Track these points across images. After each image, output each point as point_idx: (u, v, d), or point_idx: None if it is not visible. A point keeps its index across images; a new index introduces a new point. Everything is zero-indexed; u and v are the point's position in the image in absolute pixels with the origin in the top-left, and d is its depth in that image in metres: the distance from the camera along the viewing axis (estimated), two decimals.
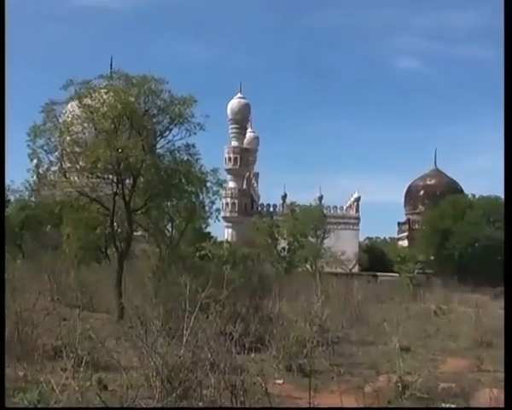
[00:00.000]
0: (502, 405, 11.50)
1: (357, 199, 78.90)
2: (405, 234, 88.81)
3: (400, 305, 33.05)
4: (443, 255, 63.41)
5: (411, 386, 12.59)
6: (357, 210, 78.87)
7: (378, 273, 61.85)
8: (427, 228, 69.47)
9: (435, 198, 79.61)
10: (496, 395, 11.62)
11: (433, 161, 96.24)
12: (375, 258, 74.95)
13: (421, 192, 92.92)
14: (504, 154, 7.88)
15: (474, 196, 72.60)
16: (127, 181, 25.99)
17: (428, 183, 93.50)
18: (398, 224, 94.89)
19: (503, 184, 7.73)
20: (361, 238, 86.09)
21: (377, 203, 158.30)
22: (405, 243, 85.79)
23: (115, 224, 27.83)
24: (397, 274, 58.31)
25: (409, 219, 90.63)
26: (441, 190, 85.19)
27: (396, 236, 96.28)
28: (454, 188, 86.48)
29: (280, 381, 14.30)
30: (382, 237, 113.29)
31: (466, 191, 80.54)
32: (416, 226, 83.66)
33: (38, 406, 8.37)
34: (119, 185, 25.57)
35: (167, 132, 26.42)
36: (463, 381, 14.18)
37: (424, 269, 62.49)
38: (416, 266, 60.29)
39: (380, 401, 11.73)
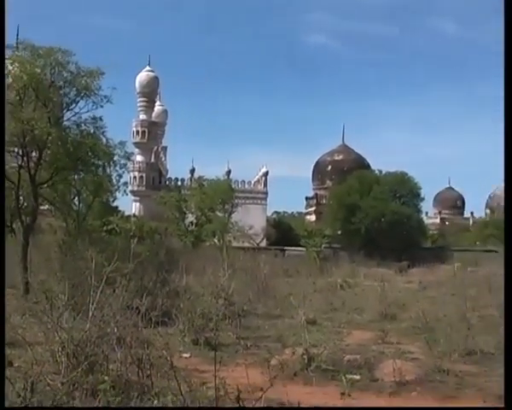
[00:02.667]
0: (405, 377, 11.80)
1: (266, 174, 79.00)
2: (313, 209, 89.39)
3: (307, 279, 33.42)
4: (350, 230, 64.14)
5: (317, 358, 12.74)
6: (265, 185, 78.97)
7: (285, 248, 62.23)
8: (334, 203, 70.07)
9: (343, 173, 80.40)
10: (399, 366, 11.88)
11: (340, 137, 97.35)
12: (282, 232, 75.38)
13: (329, 167, 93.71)
14: (504, 153, 8.02)
15: (380, 171, 73.50)
16: (33, 154, 25.49)
17: (336, 158, 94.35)
18: (306, 199, 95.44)
19: (504, 182, 7.86)
20: (269, 213, 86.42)
21: (286, 178, 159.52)
22: (313, 217, 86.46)
23: (20, 198, 27.30)
24: (304, 249, 58.83)
25: (316, 194, 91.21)
26: (348, 166, 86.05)
27: (304, 210, 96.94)
28: (361, 163, 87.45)
29: (187, 354, 14.30)
30: (290, 212, 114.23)
31: (373, 167, 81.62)
32: (324, 201, 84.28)
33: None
34: (24, 158, 25.05)
35: (74, 105, 25.98)
36: (368, 353, 14.41)
37: (331, 243, 63.20)
38: (323, 241, 60.96)
39: (286, 374, 11.86)
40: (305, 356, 12.82)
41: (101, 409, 7.47)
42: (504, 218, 7.50)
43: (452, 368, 12.58)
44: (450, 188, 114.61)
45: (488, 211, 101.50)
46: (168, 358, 9.31)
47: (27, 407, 7.32)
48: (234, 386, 8.22)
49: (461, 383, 11.81)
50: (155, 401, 8.65)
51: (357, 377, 12.16)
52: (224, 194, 60.12)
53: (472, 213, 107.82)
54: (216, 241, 53.98)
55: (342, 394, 10.80)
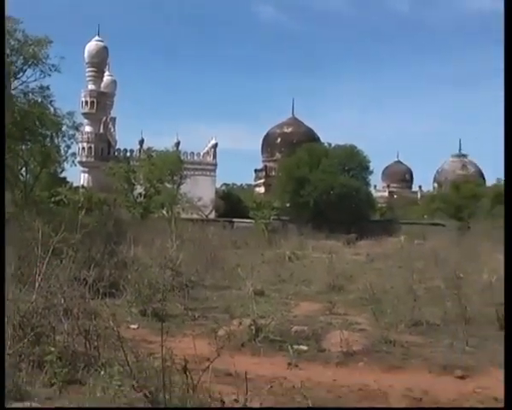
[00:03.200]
0: (352, 347, 11.91)
1: (215, 146, 78.74)
2: (262, 181, 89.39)
3: (255, 251, 33.47)
4: (299, 202, 64.29)
5: (264, 329, 12.78)
6: (215, 156, 78.72)
7: (234, 219, 62.25)
8: (283, 175, 70.10)
9: (292, 146, 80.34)
10: (346, 337, 11.98)
11: (290, 110, 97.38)
12: (231, 204, 75.40)
13: (279, 140, 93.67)
14: (504, 152, 8.05)
15: (330, 144, 73.74)
16: None
17: (286, 131, 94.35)
18: (255, 171, 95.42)
19: (504, 181, 7.90)
20: (218, 185, 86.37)
21: (235, 150, 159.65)
22: (262, 189, 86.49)
23: None
24: (253, 221, 58.89)
25: (266, 167, 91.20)
26: (298, 139, 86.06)
27: (253, 183, 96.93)
28: (311, 136, 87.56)
29: (134, 326, 14.24)
30: (239, 184, 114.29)
31: (322, 140, 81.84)
32: (273, 174, 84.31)
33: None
34: None
35: (21, 74, 25.62)
36: (315, 324, 14.50)
37: (280, 216, 63.34)
38: (272, 213, 61.05)
39: (233, 344, 11.89)
40: (252, 327, 12.85)
41: (101, 409, 7.44)
42: (504, 217, 7.55)
43: (398, 339, 12.73)
44: (399, 162, 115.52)
45: (436, 185, 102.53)
46: (115, 329, 9.26)
47: (27, 407, 7.28)
48: (181, 356, 8.21)
49: (407, 353, 11.96)
50: (102, 372, 8.61)
51: (305, 347, 12.24)
52: (173, 165, 59.80)
53: (420, 187, 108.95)
54: (164, 212, 53.70)
55: (289, 364, 10.86)
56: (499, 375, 10.45)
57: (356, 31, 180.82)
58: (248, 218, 61.09)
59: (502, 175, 72.67)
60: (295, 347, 12.07)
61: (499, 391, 9.37)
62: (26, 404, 7.58)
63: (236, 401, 7.37)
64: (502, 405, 8.96)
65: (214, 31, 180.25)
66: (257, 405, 7.58)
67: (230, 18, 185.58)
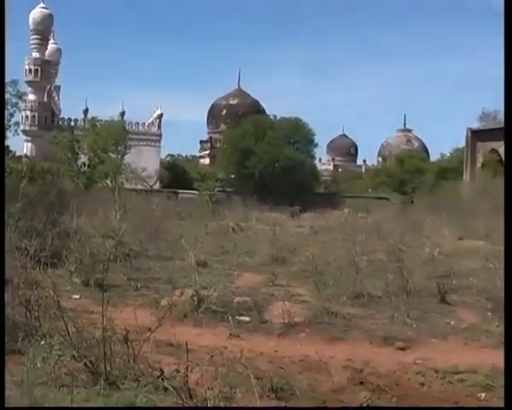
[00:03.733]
0: (294, 318, 11.97)
1: (160, 116, 78.15)
2: (207, 152, 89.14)
3: (199, 222, 33.42)
4: (243, 174, 64.27)
5: (207, 300, 12.78)
6: (160, 127, 78.14)
7: (179, 191, 61.96)
8: (228, 147, 69.91)
9: (237, 118, 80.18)
10: (288, 308, 12.04)
11: (236, 81, 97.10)
12: (176, 175, 75.00)
13: (224, 111, 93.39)
14: (505, 150, 8.04)
15: (275, 117, 73.77)
16: None
17: (231, 102, 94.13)
18: (201, 142, 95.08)
19: (504, 178, 7.89)
20: (163, 155, 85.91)
21: (181, 121, 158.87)
22: (207, 161, 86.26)
23: None
24: (197, 192, 58.78)
25: (211, 138, 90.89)
26: (243, 110, 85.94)
27: (198, 154, 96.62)
28: (256, 108, 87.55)
29: (76, 296, 14.12)
30: (184, 155, 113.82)
31: (268, 112, 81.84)
32: (218, 145, 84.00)
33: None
34: None
35: None
36: (258, 295, 14.54)
37: (224, 187, 63.33)
38: (217, 184, 61.05)
39: (175, 315, 11.86)
40: (195, 298, 12.84)
41: (102, 409, 7.35)
42: (504, 215, 7.57)
43: (340, 310, 12.84)
44: (344, 135, 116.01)
45: (380, 159, 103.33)
46: (56, 299, 9.15)
47: (27, 407, 7.17)
48: (122, 327, 8.17)
49: (348, 325, 12.07)
50: (42, 342, 8.50)
51: (247, 318, 12.29)
52: (118, 135, 59.35)
53: (364, 161, 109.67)
54: (108, 182, 53.27)
55: (231, 335, 10.88)
56: (439, 346, 10.65)
57: (303, 2, 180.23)
58: (193, 189, 60.94)
59: (445, 150, 73.75)
60: (237, 318, 12.12)
61: (439, 362, 9.53)
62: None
63: (177, 371, 7.33)
64: (441, 375, 9.13)
65: (162, 1, 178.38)
66: (197, 375, 7.57)
67: None
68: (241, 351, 7.91)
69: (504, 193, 7.71)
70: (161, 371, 7.28)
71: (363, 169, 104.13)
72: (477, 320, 12.93)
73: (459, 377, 9.00)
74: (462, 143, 58.33)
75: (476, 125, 56.64)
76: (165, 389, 7.11)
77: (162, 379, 7.17)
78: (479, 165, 54.81)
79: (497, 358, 9.71)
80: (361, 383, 8.79)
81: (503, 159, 51.20)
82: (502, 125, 54.52)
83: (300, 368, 9.40)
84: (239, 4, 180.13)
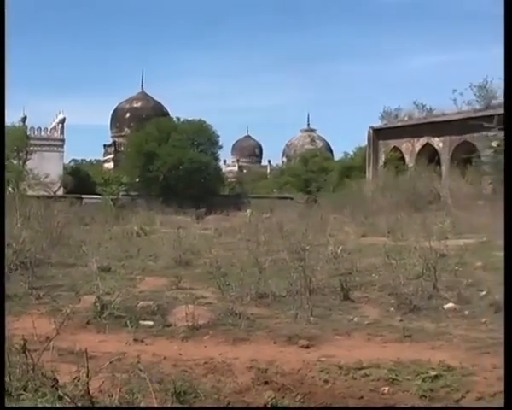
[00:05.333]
0: (198, 321, 11.91)
1: (62, 120, 76.91)
2: (111, 156, 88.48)
3: (103, 227, 33.04)
4: (148, 178, 64.08)
5: (110, 306, 12.61)
6: (62, 132, 76.98)
7: (83, 196, 61.14)
8: (132, 150, 69.61)
9: (141, 121, 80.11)
10: (192, 311, 11.96)
11: (140, 84, 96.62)
12: (80, 180, 73.96)
13: (128, 115, 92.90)
14: (505, 148, 8.00)
15: (179, 119, 73.74)
16: None
17: (135, 105, 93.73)
18: (105, 146, 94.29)
19: (504, 177, 7.85)
20: (66, 161, 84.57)
21: (85, 126, 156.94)
22: (111, 165, 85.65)
23: None
24: (101, 196, 58.23)
25: (115, 142, 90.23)
26: (147, 113, 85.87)
27: (102, 158, 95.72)
28: (160, 111, 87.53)
29: None
30: (89, 160, 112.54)
31: (172, 115, 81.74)
32: (122, 149, 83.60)
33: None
34: None
35: None
36: (162, 299, 14.43)
37: (129, 191, 62.96)
38: (121, 189, 60.64)
39: (78, 322, 11.70)
40: (97, 304, 12.65)
41: (105, 409, 7.09)
42: (504, 216, 7.59)
43: (244, 311, 12.81)
44: (249, 136, 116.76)
45: (285, 159, 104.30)
46: None
47: (27, 407, 6.87)
48: (22, 336, 7.97)
49: (252, 325, 12.05)
50: None
51: (151, 322, 12.16)
52: (19, 141, 58.40)
53: (269, 162, 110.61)
54: (10, 189, 52.25)
55: (135, 340, 10.77)
56: (343, 343, 10.76)
57: (205, 3, 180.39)
58: (97, 194, 60.35)
59: (349, 149, 74.99)
60: (141, 322, 12.00)
61: (343, 359, 9.61)
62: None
63: (78, 379, 7.20)
64: (345, 372, 9.20)
65: (63, 4, 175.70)
66: (99, 382, 7.45)
67: None
68: (137, 356, 7.83)
69: (504, 193, 7.82)
70: (55, 380, 7.13)
71: (268, 169, 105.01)
72: (380, 316, 13.09)
73: (363, 372, 9.07)
74: (364, 142, 59.34)
75: (378, 124, 57.67)
76: (60, 397, 6.97)
77: (56, 388, 7.03)
78: (381, 163, 55.96)
79: (400, 352, 9.91)
80: (266, 382, 8.77)
81: (405, 155, 51.96)
82: (402, 123, 55.79)
83: (205, 371, 9.33)
84: (143, 7, 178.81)
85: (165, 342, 10.90)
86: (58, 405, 6.98)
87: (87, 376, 7.11)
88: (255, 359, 9.81)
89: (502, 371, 8.63)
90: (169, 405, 7.51)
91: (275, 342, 10.88)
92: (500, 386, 8.26)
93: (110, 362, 7.79)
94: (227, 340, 11.00)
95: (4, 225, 10.66)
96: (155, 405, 6.94)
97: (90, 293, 13.86)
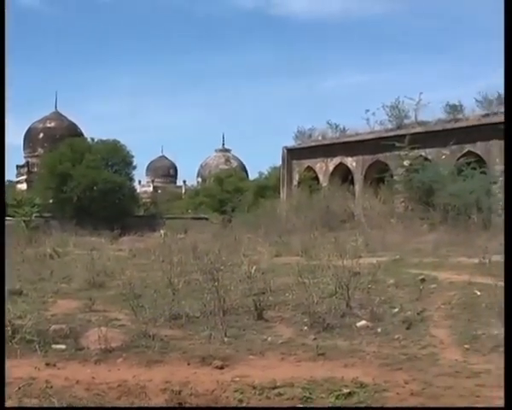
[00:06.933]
0: (111, 344, 11.81)
1: None
2: (24, 177, 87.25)
3: (15, 249, 32.43)
4: (61, 199, 63.39)
5: (21, 330, 12.41)
6: None
7: None
8: (45, 171, 68.69)
9: (55, 141, 79.33)
10: (105, 333, 11.86)
11: (54, 105, 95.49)
12: None
13: (41, 135, 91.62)
14: (505, 149, 8.01)
15: (93, 139, 73.23)
16: None
17: (48, 125, 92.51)
18: (17, 167, 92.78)
19: (504, 177, 7.87)
20: None
21: None
22: (24, 186, 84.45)
23: None
24: (14, 218, 57.21)
25: (28, 162, 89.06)
26: (61, 133, 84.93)
27: (15, 179, 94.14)
28: (74, 131, 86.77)
29: None
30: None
31: (86, 135, 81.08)
32: (36, 169, 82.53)
33: None
34: None
35: None
36: (75, 322, 14.26)
37: (42, 213, 62.04)
38: (34, 210, 59.65)
39: None
40: (9, 328, 12.43)
41: (102, 409, 6.84)
42: (504, 217, 7.65)
43: (158, 333, 12.77)
44: (164, 156, 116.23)
45: (200, 179, 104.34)
46: None
47: (27, 407, 6.61)
48: None
49: (166, 347, 12.02)
50: None
51: (63, 346, 12.01)
52: None
53: (185, 182, 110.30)
54: None
55: (47, 364, 10.63)
56: (257, 363, 10.81)
57: (122, 21, 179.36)
58: (10, 216, 59.26)
59: (264, 169, 75.52)
60: (53, 346, 11.85)
61: (257, 378, 9.67)
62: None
63: None
64: (259, 391, 9.26)
65: None
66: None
67: None
68: (46, 381, 7.74)
69: (504, 193, 7.94)
70: None
71: (184, 190, 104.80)
72: (293, 335, 13.18)
73: (277, 391, 9.14)
74: (279, 162, 59.73)
75: (292, 144, 58.16)
76: None
77: None
78: (295, 182, 56.40)
79: (314, 370, 10.02)
80: (180, 404, 8.78)
81: (318, 175, 52.60)
82: (316, 143, 56.40)
83: (118, 393, 9.27)
84: (57, 27, 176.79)
85: (77, 366, 10.77)
86: None
87: None
88: (169, 380, 9.79)
89: (413, 387, 8.88)
90: None
91: (189, 364, 10.87)
92: (411, 402, 8.47)
93: (19, 388, 7.69)
94: (140, 362, 10.94)
95: (4, 225, 10.49)
96: None
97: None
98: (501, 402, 7.27)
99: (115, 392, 9.34)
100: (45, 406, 7.61)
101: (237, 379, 9.82)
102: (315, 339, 12.56)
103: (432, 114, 47.83)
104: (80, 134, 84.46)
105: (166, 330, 13.47)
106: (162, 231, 44.28)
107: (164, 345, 12.14)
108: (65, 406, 7.40)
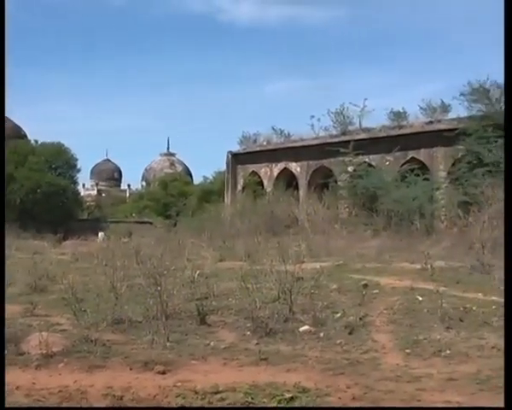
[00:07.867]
0: (52, 349, 11.71)
1: None
2: None
3: None
4: (5, 202, 62.61)
5: None
6: None
7: None
8: None
9: None
10: (46, 338, 11.75)
11: None
12: None
13: None
14: (505, 149, 8.02)
15: (36, 141, 72.45)
16: None
17: None
18: None
19: (504, 179, 7.89)
20: None
21: None
22: None
23: None
24: None
25: None
26: (5, 136, 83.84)
27: None
28: (17, 133, 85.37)
29: None
30: None
31: (30, 137, 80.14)
32: None
33: None
34: None
35: None
36: (15, 326, 14.07)
37: None
38: None
39: None
40: None
41: (102, 409, 6.68)
42: (504, 216, 7.67)
43: (100, 338, 12.69)
44: (108, 160, 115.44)
45: (144, 183, 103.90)
46: None
47: (27, 407, 6.43)
48: None
49: (108, 351, 11.96)
50: None
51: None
52: None
53: (129, 186, 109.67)
54: None
55: None
56: (199, 367, 10.83)
57: (69, 22, 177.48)
58: None
59: (208, 173, 75.50)
60: None
61: (199, 383, 9.69)
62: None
63: None
64: (201, 396, 9.28)
65: None
66: None
67: None
68: None
69: (504, 193, 8.00)
70: None
71: (128, 193, 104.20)
72: (236, 340, 13.21)
73: (219, 396, 9.16)
74: (224, 167, 59.75)
75: (237, 149, 58.27)
76: None
77: None
78: (240, 187, 56.50)
79: (256, 375, 10.08)
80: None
81: (263, 180, 52.69)
82: (261, 148, 56.59)
83: (59, 399, 9.21)
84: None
85: (17, 372, 10.65)
86: None
87: None
88: (111, 386, 9.76)
89: (355, 391, 8.99)
90: None
91: (131, 369, 10.84)
92: (352, 405, 8.58)
93: None
94: (82, 367, 10.88)
95: (4, 225, 10.33)
96: None
97: None
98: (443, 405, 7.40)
99: (56, 397, 9.29)
100: (45, 406, 7.57)
101: (179, 384, 9.83)
102: (257, 344, 12.61)
103: (376, 120, 48.45)
104: (24, 136, 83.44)
105: (109, 334, 13.39)
106: (106, 236, 43.98)
107: (106, 350, 12.08)
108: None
